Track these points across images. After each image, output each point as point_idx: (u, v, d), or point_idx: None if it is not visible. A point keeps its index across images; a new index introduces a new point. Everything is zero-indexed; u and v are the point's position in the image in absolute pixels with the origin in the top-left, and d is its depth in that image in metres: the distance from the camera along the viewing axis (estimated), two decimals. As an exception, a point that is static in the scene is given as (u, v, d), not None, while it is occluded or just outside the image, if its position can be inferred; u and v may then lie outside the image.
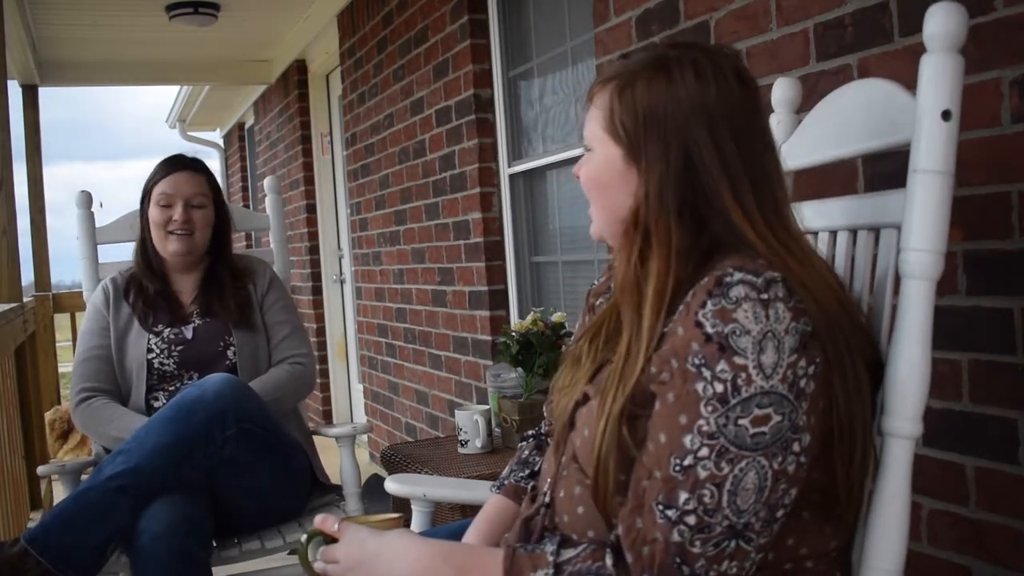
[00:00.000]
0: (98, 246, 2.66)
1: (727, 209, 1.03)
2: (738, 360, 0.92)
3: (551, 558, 0.99)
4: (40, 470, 2.41)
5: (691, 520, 0.93)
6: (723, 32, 2.07)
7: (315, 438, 2.59)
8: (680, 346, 0.96)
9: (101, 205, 3.24)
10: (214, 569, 2.08)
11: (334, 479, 2.49)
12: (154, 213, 2.40)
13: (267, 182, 2.89)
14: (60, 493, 2.25)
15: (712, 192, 1.03)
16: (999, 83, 1.47)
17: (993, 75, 1.48)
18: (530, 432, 1.44)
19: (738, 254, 0.99)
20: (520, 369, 2.82)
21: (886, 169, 1.65)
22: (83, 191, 2.64)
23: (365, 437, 5.21)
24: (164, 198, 2.39)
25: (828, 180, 1.73)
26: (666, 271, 1.03)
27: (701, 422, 0.93)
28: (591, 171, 1.13)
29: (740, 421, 0.92)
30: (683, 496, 0.93)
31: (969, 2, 1.50)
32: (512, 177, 3.47)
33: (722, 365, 0.93)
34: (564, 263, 3.26)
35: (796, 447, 0.94)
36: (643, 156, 1.06)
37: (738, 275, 0.95)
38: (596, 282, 1.34)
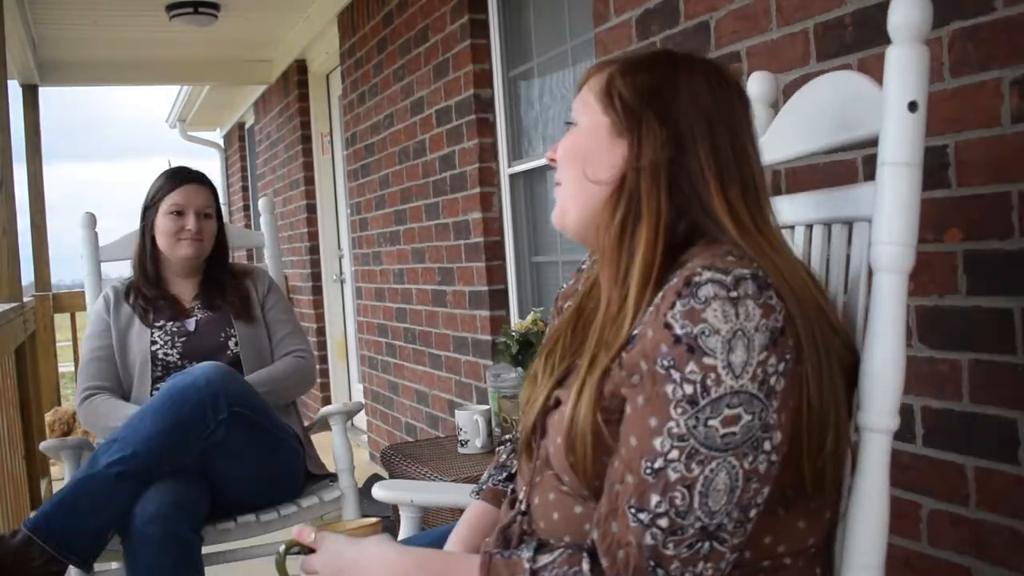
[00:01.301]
0: (101, 264, 2.74)
1: (711, 198, 1.04)
2: (707, 361, 0.92)
3: (528, 565, 0.99)
4: (42, 445, 2.46)
5: (663, 523, 0.92)
6: (723, 32, 2.07)
7: (315, 437, 2.62)
8: (649, 348, 0.96)
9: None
10: (211, 545, 2.14)
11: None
12: (165, 222, 2.47)
13: (261, 203, 2.99)
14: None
15: (699, 180, 1.05)
16: (999, 83, 1.47)
17: (993, 75, 1.48)
18: (506, 436, 1.45)
19: (707, 251, 0.99)
20: (520, 369, 2.82)
21: (886, 169, 1.65)
22: (87, 213, 2.75)
23: (365, 437, 5.21)
24: (176, 207, 2.47)
25: (829, 179, 1.73)
26: (655, 242, 1.03)
27: (671, 424, 0.93)
28: (572, 141, 1.13)
29: (710, 422, 0.92)
30: (655, 499, 0.93)
31: (969, 2, 1.51)
32: (512, 177, 3.47)
33: (691, 366, 0.92)
34: (564, 263, 3.26)
35: (767, 446, 0.94)
36: (638, 128, 1.06)
37: (707, 274, 0.94)
38: (564, 285, 1.34)
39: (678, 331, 0.93)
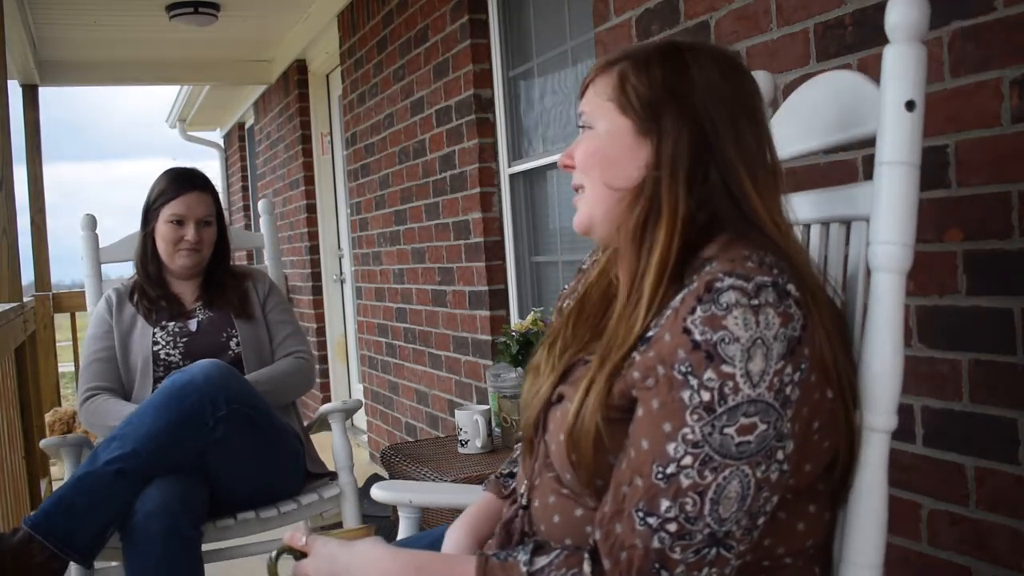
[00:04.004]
0: (101, 265, 2.75)
1: (744, 187, 1.03)
2: (726, 368, 0.91)
3: (524, 568, 0.98)
4: (43, 443, 2.46)
5: (672, 527, 0.92)
6: (723, 32, 2.07)
7: (315, 437, 2.62)
8: (667, 352, 0.95)
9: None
10: (210, 542, 2.14)
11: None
12: (165, 230, 2.49)
13: (261, 205, 3.00)
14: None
15: (726, 170, 1.04)
16: (999, 83, 1.47)
17: (993, 75, 1.48)
18: (521, 433, 1.44)
19: (727, 254, 0.98)
20: (520, 369, 2.82)
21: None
22: (87, 215, 2.77)
23: (365, 437, 5.21)
24: (176, 217, 2.48)
25: (829, 179, 1.73)
26: (671, 240, 1.02)
27: (686, 430, 0.92)
28: (591, 145, 1.10)
29: (726, 430, 0.91)
30: (665, 504, 0.92)
31: (969, 2, 1.51)
32: (512, 177, 3.47)
33: (709, 373, 0.92)
34: (564, 263, 3.26)
35: (780, 455, 0.94)
36: (658, 128, 1.05)
37: (728, 280, 0.93)
38: (566, 286, 1.33)
39: (697, 337, 0.93)
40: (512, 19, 3.46)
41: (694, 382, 0.92)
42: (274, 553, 1.16)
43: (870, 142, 1.11)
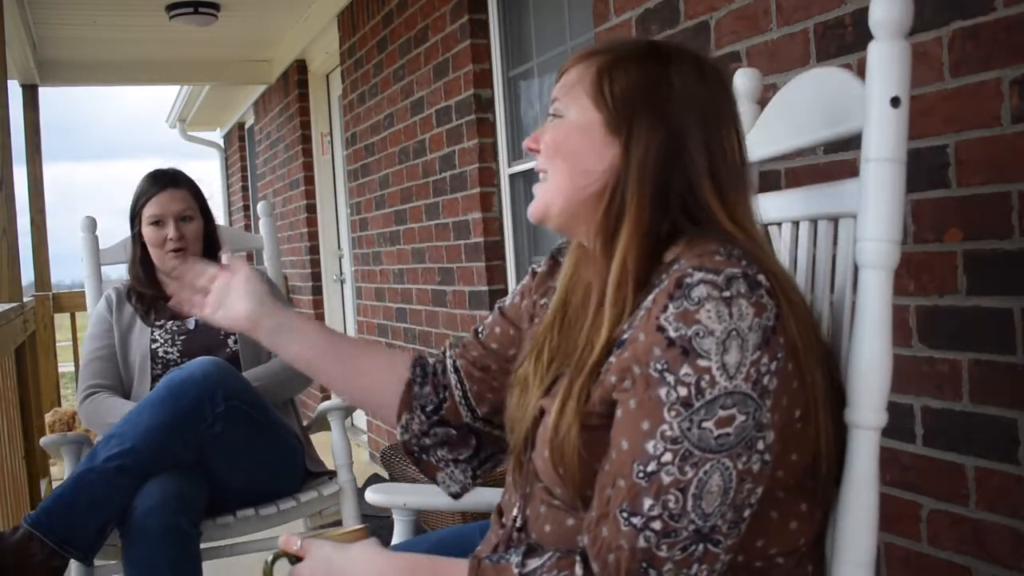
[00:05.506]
0: (101, 266, 2.77)
1: (706, 198, 1.03)
2: (701, 363, 0.91)
3: (516, 570, 0.98)
4: (43, 441, 2.47)
5: (656, 525, 0.92)
6: (723, 32, 2.07)
7: (314, 437, 2.62)
8: (642, 352, 0.94)
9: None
10: (210, 540, 2.16)
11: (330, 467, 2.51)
12: (149, 233, 2.50)
13: (260, 207, 3.01)
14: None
15: (693, 180, 1.03)
16: (999, 83, 1.47)
17: (993, 75, 1.48)
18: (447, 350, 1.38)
19: (693, 250, 0.98)
20: (520, 369, 2.82)
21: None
22: (87, 217, 2.79)
23: (365, 437, 5.21)
24: (154, 218, 2.49)
25: (828, 178, 1.73)
26: (635, 243, 1.02)
27: (664, 427, 0.92)
28: (559, 135, 1.09)
29: (704, 424, 0.91)
30: (648, 502, 0.92)
31: (969, 2, 1.51)
32: (512, 177, 3.47)
33: (685, 369, 0.91)
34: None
35: (760, 445, 0.93)
36: (630, 129, 1.04)
37: (698, 275, 0.93)
38: (539, 266, 1.30)
39: (672, 334, 0.92)
40: (512, 19, 3.46)
41: (671, 379, 0.92)
42: (270, 557, 1.16)
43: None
